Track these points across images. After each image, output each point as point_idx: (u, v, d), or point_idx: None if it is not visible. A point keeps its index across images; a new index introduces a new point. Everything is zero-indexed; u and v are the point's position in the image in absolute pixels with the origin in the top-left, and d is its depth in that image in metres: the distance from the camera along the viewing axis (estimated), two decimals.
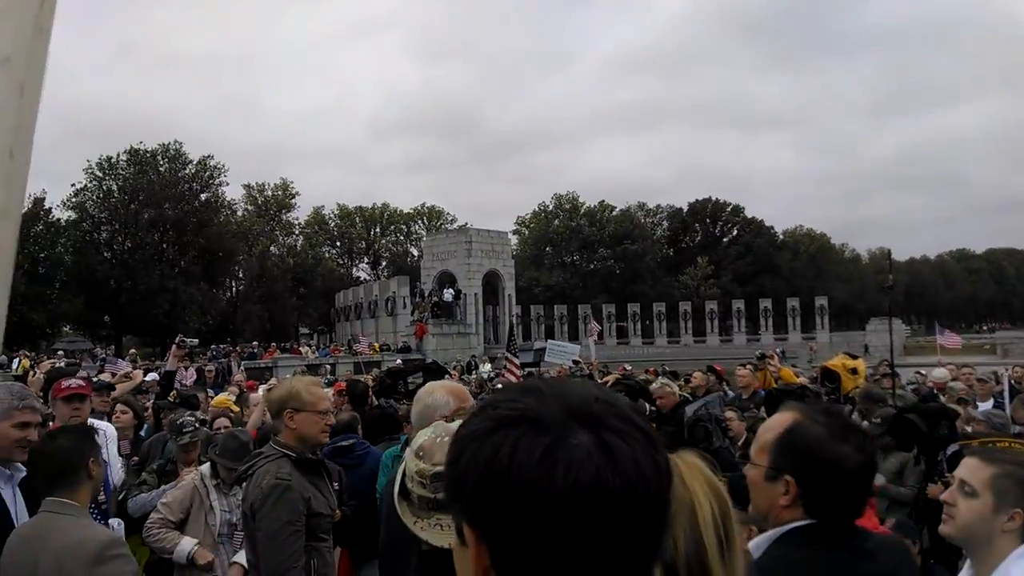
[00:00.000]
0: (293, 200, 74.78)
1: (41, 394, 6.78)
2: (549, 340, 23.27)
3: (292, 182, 75.69)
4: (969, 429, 6.29)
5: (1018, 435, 6.54)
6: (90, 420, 5.14)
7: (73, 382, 5.10)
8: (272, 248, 68.69)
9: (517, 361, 11.44)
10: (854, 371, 8.23)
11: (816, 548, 1.85)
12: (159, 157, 56.72)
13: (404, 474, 2.03)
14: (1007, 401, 6.59)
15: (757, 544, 1.98)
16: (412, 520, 1.96)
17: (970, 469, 2.36)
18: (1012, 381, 8.84)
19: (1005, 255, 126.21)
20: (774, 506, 1.94)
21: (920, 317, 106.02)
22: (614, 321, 60.09)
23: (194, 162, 58.40)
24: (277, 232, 72.88)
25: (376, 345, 38.79)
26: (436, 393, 3.21)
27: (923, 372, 12.61)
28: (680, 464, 0.86)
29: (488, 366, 28.61)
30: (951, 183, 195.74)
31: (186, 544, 4.73)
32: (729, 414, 6.86)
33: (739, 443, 6.55)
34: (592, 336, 19.34)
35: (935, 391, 10.94)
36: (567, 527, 0.76)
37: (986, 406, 8.41)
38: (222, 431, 6.01)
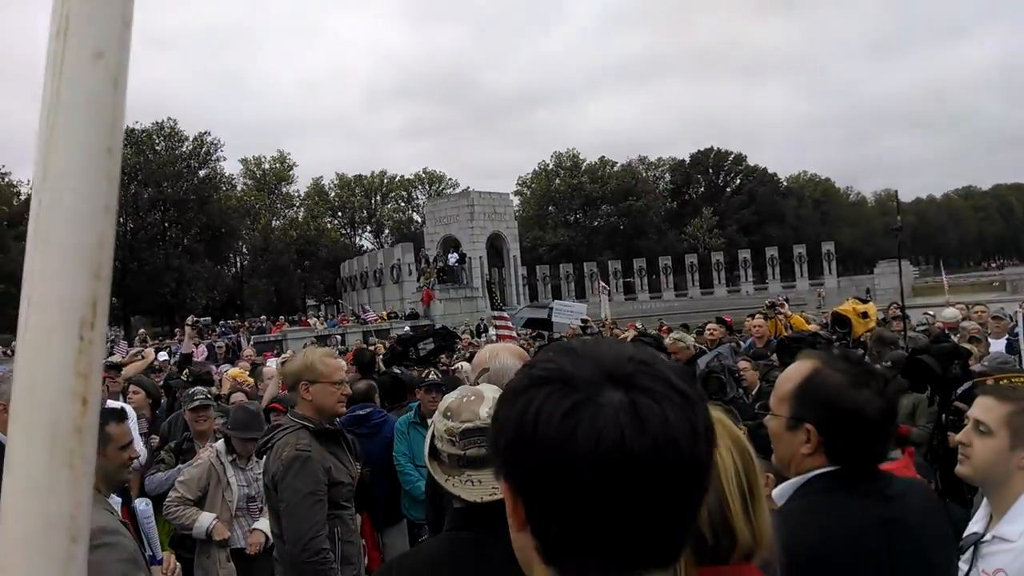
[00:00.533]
0: (291, 172, 74.67)
1: None
2: (556, 300, 23.22)
3: (289, 154, 75.48)
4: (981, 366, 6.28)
5: None
6: (108, 401, 5.20)
7: None
8: (274, 221, 68.61)
9: (506, 315, 11.26)
10: (864, 315, 8.21)
11: (840, 494, 1.84)
12: (155, 136, 56.50)
13: (433, 435, 2.06)
14: (1022, 339, 6.56)
15: (780, 492, 1.98)
16: (444, 478, 1.99)
17: (984, 408, 2.35)
18: None
19: (1012, 190, 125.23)
20: (796, 455, 1.93)
21: (928, 258, 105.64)
22: (620, 277, 60.04)
23: (190, 139, 58.29)
24: (278, 205, 72.77)
25: (384, 314, 38.83)
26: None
27: (931, 313, 12.56)
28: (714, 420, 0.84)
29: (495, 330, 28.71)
30: (955, 120, 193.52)
31: (204, 520, 4.80)
32: (743, 364, 6.85)
33: (753, 393, 6.55)
34: (603, 294, 19.15)
35: (946, 331, 10.92)
36: (591, 488, 0.76)
37: (1000, 344, 8.39)
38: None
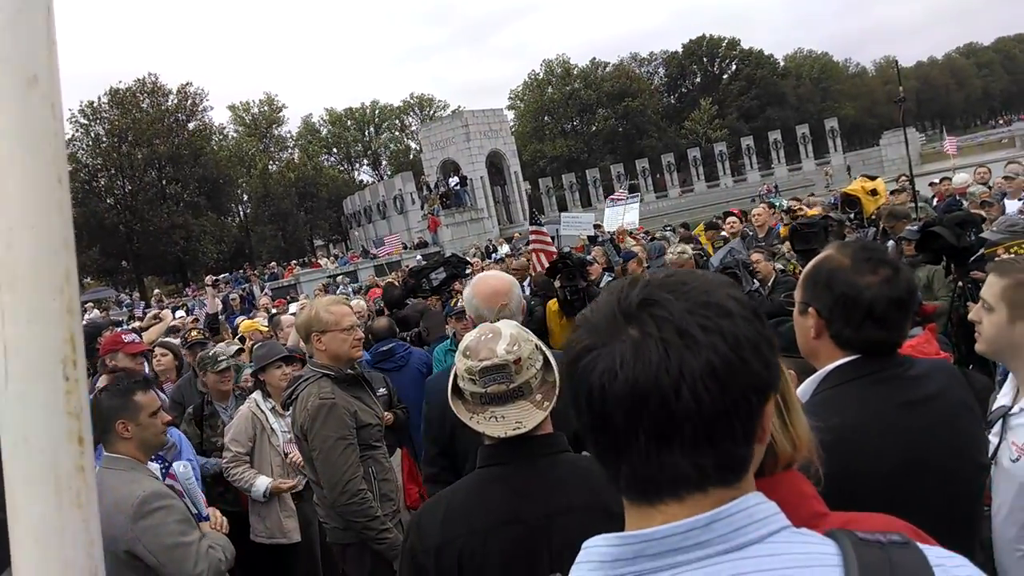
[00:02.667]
0: (281, 114, 73.59)
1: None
2: (563, 213, 23.02)
3: (276, 95, 74.23)
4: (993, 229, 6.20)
5: None
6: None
7: (134, 337, 5.70)
8: (271, 166, 68.07)
9: (545, 230, 11.09)
10: (874, 192, 8.10)
11: (859, 382, 1.86)
12: (138, 94, 55.66)
13: (455, 375, 2.08)
14: None
15: (804, 390, 1.99)
16: (468, 416, 2.02)
17: (987, 285, 2.38)
18: None
19: (1016, 42, 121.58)
20: (808, 340, 1.96)
21: (934, 122, 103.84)
22: (625, 180, 59.48)
23: (174, 92, 57.37)
24: (272, 148, 72.07)
25: (399, 248, 38.65)
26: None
27: (935, 181, 12.38)
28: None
29: (506, 247, 28.62)
30: None
31: (261, 484, 4.89)
32: (755, 256, 6.83)
33: (768, 284, 6.55)
34: (621, 202, 18.65)
35: (958, 197, 10.81)
36: (616, 423, 0.87)
37: (1015, 205, 8.29)
38: None
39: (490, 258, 23.85)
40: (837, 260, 1.92)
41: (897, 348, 1.94)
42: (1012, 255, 3.80)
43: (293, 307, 11.25)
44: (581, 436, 0.93)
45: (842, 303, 1.86)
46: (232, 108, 72.10)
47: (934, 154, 49.60)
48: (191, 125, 58.30)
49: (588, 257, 9.96)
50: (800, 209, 9.46)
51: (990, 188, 10.85)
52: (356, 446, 3.78)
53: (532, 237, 10.68)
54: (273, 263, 47.64)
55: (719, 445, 0.88)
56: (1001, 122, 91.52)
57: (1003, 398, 2.41)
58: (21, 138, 0.63)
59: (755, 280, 6.91)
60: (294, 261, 47.76)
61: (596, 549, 0.91)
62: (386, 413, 5.00)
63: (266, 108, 72.83)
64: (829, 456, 1.77)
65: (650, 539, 0.86)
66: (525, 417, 1.96)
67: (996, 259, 3.67)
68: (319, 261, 41.76)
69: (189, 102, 58.09)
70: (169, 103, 57.18)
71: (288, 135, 75.91)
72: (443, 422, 2.95)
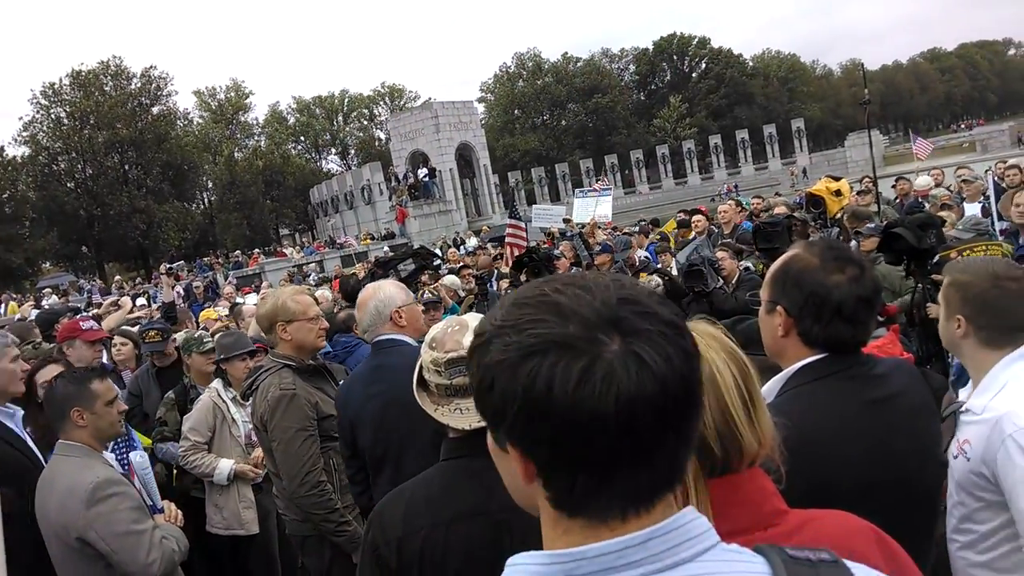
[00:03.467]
0: (248, 100, 72.64)
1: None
2: (533, 206, 23.04)
3: (244, 81, 73.23)
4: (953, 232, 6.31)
5: (1004, 232, 6.59)
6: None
7: (92, 324, 5.59)
8: (237, 153, 67.19)
9: (522, 224, 11.03)
10: (838, 193, 8.18)
11: (824, 381, 1.88)
12: (102, 76, 54.55)
13: (420, 366, 2.08)
14: (993, 201, 6.59)
15: (769, 388, 2.00)
16: (433, 408, 2.02)
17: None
18: (996, 178, 8.83)
19: (977, 48, 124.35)
20: (776, 339, 1.97)
21: (897, 124, 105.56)
22: (593, 176, 59.67)
23: (138, 75, 56.38)
24: (238, 136, 71.15)
25: (366, 239, 38.40)
26: (385, 289, 3.47)
27: (895, 186, 12.56)
28: (695, 337, 0.86)
29: (474, 240, 28.54)
30: None
31: (225, 466, 4.81)
32: (721, 254, 6.87)
33: (732, 282, 6.59)
34: (594, 194, 18.55)
35: (919, 199, 10.99)
36: (614, 435, 0.80)
37: (974, 207, 8.44)
38: None
39: (460, 249, 23.78)
40: (805, 259, 1.93)
41: (862, 346, 1.96)
42: (964, 258, 3.86)
43: (252, 297, 11.11)
44: (560, 468, 0.85)
45: (812, 302, 1.88)
46: (198, 93, 71.14)
47: (897, 156, 50.45)
48: (155, 109, 57.35)
49: (556, 252, 9.96)
50: (763, 207, 9.56)
51: (951, 191, 11.05)
52: (317, 437, 3.74)
53: (509, 230, 10.64)
54: (238, 251, 47.05)
55: (689, 450, 0.88)
56: (963, 126, 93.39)
57: (963, 394, 2.46)
58: None
59: (720, 277, 6.96)
60: (259, 250, 47.24)
61: (523, 566, 0.87)
62: None
63: (233, 94, 71.84)
64: (796, 453, 1.78)
65: (582, 558, 0.83)
66: None
67: (949, 261, 3.73)
68: (284, 250, 41.38)
69: (153, 86, 57.14)
70: (133, 86, 56.20)
71: (255, 122, 75.13)
72: (345, 425, 3.26)
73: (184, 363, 5.61)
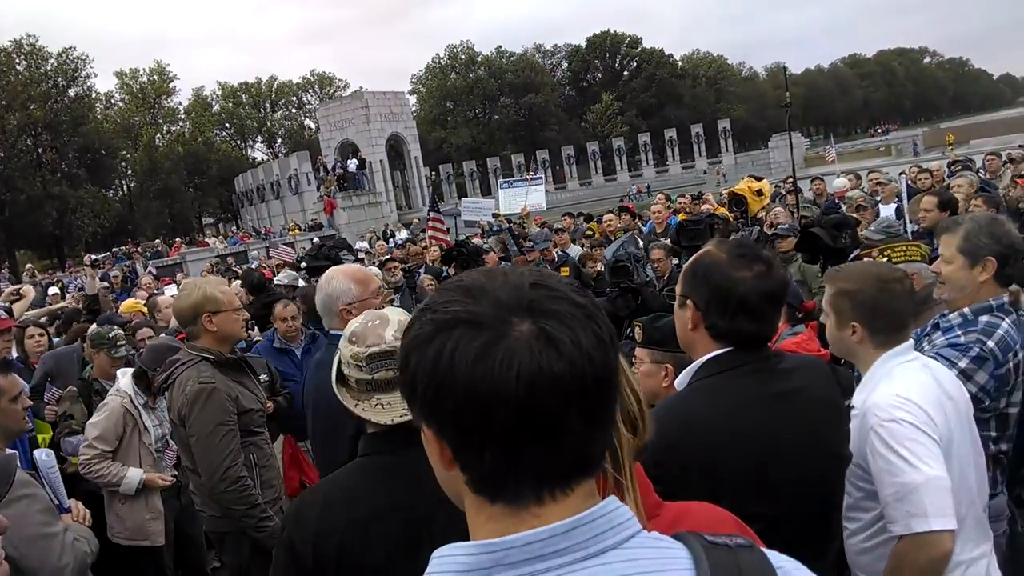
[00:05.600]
0: (172, 84, 70.29)
1: None
2: (463, 199, 22.96)
3: (168, 65, 70.88)
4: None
5: (916, 234, 6.87)
6: None
7: (0, 313, 5.41)
8: (158, 139, 65.02)
9: (442, 219, 11.09)
10: (759, 193, 8.42)
11: (732, 373, 1.93)
12: (14, 55, 52.08)
13: (340, 361, 2.03)
14: (905, 203, 6.87)
15: (680, 380, 2.08)
16: (353, 403, 1.98)
17: (825, 293, 2.57)
18: (909, 182, 9.22)
19: (895, 55, 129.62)
20: (687, 333, 2.03)
21: (819, 127, 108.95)
22: (524, 171, 59.93)
23: (54, 55, 53.98)
24: (160, 121, 68.86)
25: (293, 230, 37.59)
26: (336, 280, 3.22)
27: (811, 188, 13.00)
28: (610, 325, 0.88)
29: (404, 233, 28.33)
30: None
31: (134, 476, 4.62)
32: (657, 252, 6.98)
33: (664, 279, 6.70)
34: (528, 183, 18.51)
35: (836, 200, 11.38)
36: (518, 416, 0.80)
37: (889, 209, 8.78)
38: (146, 343, 5.79)
39: (388, 242, 23.57)
40: (715, 255, 1.99)
41: (768, 341, 2.02)
42: (886, 257, 4.00)
43: (172, 289, 10.80)
44: (471, 446, 0.84)
45: (718, 295, 1.93)
46: (119, 75, 68.41)
47: (817, 158, 52.16)
48: (72, 91, 55.06)
49: (485, 245, 9.97)
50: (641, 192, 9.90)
51: (867, 193, 11.48)
52: (237, 432, 3.66)
53: (430, 224, 10.67)
54: (158, 240, 45.60)
55: (605, 437, 0.89)
56: (880, 131, 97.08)
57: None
58: None
59: (647, 273, 7.08)
60: (180, 239, 45.90)
61: (450, 558, 0.86)
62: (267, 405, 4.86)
63: (156, 77, 69.39)
64: (694, 443, 1.84)
65: (510, 547, 0.83)
66: None
67: (867, 259, 3.86)
68: (207, 240, 40.28)
69: (71, 67, 54.79)
70: (48, 67, 53.77)
71: (179, 107, 72.74)
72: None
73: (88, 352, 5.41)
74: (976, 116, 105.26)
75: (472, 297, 0.85)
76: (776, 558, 0.95)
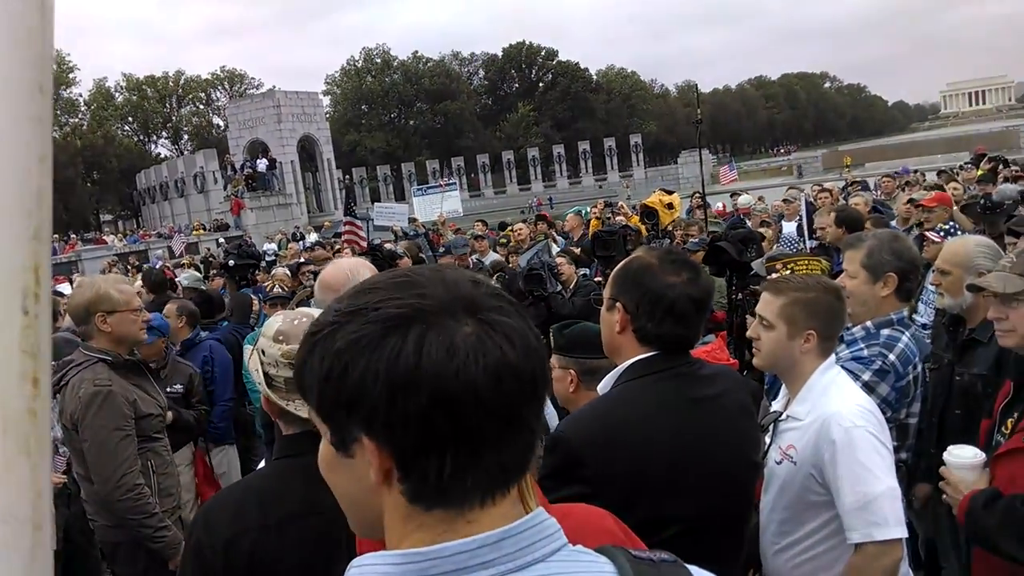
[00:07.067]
0: (72, 75, 67.02)
1: None
2: (376, 204, 22.71)
3: (68, 55, 67.58)
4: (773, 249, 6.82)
5: (812, 250, 7.17)
6: None
7: None
8: (55, 132, 61.87)
9: (359, 224, 10.96)
10: (670, 206, 8.64)
11: (656, 377, 1.97)
12: None
13: (264, 362, 1.98)
14: (805, 221, 7.16)
15: (604, 383, 2.09)
16: (284, 402, 1.93)
17: (764, 303, 2.56)
18: (809, 201, 9.61)
19: (798, 79, 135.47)
20: (614, 336, 2.04)
21: (725, 145, 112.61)
22: (439, 177, 59.81)
23: None
24: (58, 112, 65.59)
25: (198, 229, 36.42)
26: (361, 273, 2.86)
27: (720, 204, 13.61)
28: None
29: (314, 236, 27.80)
30: (742, 16, 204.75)
31: None
32: (560, 260, 7.05)
33: (571, 287, 6.77)
34: (443, 189, 18.33)
35: (741, 216, 11.79)
36: (484, 406, 0.78)
37: (791, 226, 9.13)
38: None
39: (299, 244, 23.10)
40: (646, 260, 2.03)
41: (692, 346, 2.06)
42: (789, 270, 4.15)
43: (63, 288, 10.31)
44: (428, 452, 0.80)
45: (647, 299, 1.96)
46: None
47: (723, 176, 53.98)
48: None
49: (399, 250, 9.88)
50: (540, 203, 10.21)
51: (768, 211, 11.98)
52: (134, 438, 3.51)
53: (345, 228, 10.55)
54: (54, 235, 43.42)
55: (538, 431, 0.88)
56: (783, 151, 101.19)
57: (777, 404, 2.62)
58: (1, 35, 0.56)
59: (558, 282, 7.14)
60: (75, 235, 43.82)
61: (371, 567, 0.82)
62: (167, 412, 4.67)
63: (54, 66, 65.97)
64: (617, 445, 1.86)
65: (437, 556, 0.79)
66: None
67: (772, 275, 4.00)
68: (105, 237, 38.61)
69: None
70: None
71: (79, 98, 69.43)
72: None
73: None
74: (871, 140, 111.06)
75: (417, 292, 0.82)
76: (698, 572, 0.96)
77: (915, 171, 20.39)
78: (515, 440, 0.83)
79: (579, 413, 2.07)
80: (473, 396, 0.78)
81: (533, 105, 79.83)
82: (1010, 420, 2.51)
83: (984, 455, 2.48)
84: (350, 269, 2.89)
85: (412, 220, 16.67)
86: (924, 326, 4.14)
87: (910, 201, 7.78)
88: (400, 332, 0.79)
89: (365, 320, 0.81)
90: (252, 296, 7.41)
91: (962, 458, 2.45)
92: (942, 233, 5.35)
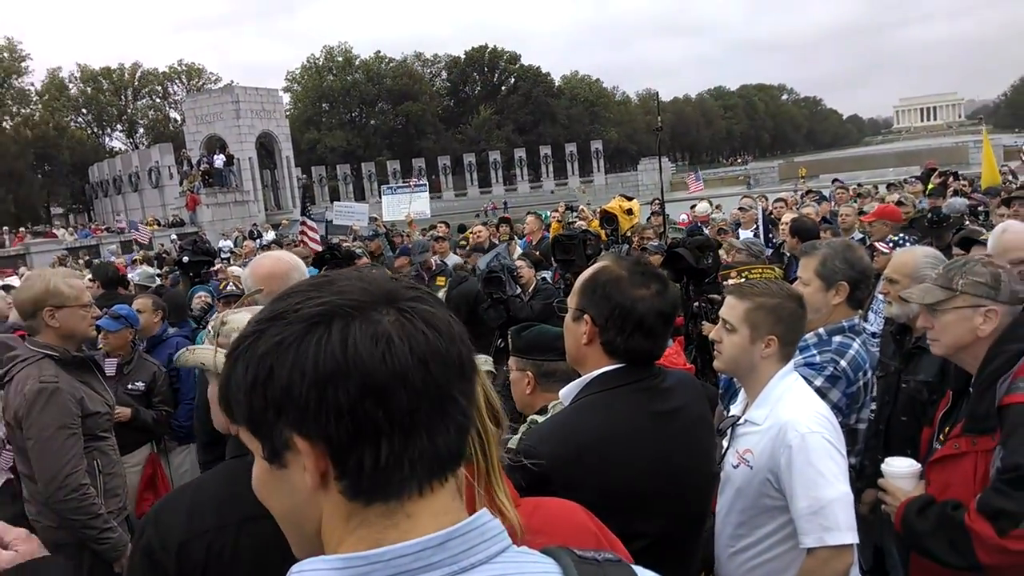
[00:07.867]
0: (24, 64, 65.17)
1: None
2: (335, 203, 22.46)
3: (20, 43, 65.73)
4: (729, 258, 6.91)
5: (773, 253, 7.31)
6: None
7: None
8: (5, 121, 60.15)
9: (314, 225, 10.94)
10: (630, 212, 8.69)
11: (622, 390, 1.96)
12: None
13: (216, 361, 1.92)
14: (762, 230, 7.31)
15: (567, 392, 2.09)
16: None
17: (728, 307, 2.59)
18: (766, 212, 9.81)
19: (756, 91, 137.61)
20: (579, 347, 2.03)
21: (684, 154, 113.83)
22: (400, 178, 59.49)
23: None
24: (9, 102, 63.74)
25: (152, 224, 35.67)
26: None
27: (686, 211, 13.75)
28: None
29: (271, 234, 27.46)
30: (702, 28, 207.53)
31: None
32: (519, 263, 7.06)
33: (530, 289, 6.79)
34: (411, 189, 18.10)
35: (700, 224, 11.95)
36: (417, 395, 0.79)
37: (748, 233, 9.30)
38: None
39: (256, 241, 22.81)
40: (615, 271, 2.01)
41: (657, 359, 2.06)
42: (744, 277, 4.21)
43: (11, 280, 10.03)
44: (362, 442, 0.79)
45: (617, 313, 1.95)
46: None
47: (682, 183, 54.55)
48: None
49: (358, 250, 9.81)
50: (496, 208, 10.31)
51: (725, 219, 12.18)
52: (80, 436, 3.43)
53: (301, 228, 10.55)
54: (3, 228, 42.21)
55: (471, 418, 0.89)
56: (739, 161, 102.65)
57: (735, 408, 2.65)
58: None
59: (517, 285, 7.15)
60: (24, 228, 42.62)
61: (312, 573, 0.81)
62: (123, 409, 4.57)
63: (6, 55, 64.13)
64: (585, 458, 1.85)
65: (378, 560, 0.79)
66: None
67: (729, 282, 4.06)
68: (55, 231, 37.62)
69: None
70: None
71: (31, 88, 67.52)
72: None
73: None
74: (826, 152, 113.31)
75: (335, 289, 0.83)
76: (644, 574, 0.97)
77: (858, 184, 21.01)
78: (448, 425, 0.82)
79: (546, 429, 2.05)
80: (402, 382, 0.78)
81: (495, 108, 79.83)
82: (948, 428, 2.57)
83: (919, 465, 2.55)
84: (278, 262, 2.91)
85: (373, 219, 16.54)
86: (874, 335, 4.23)
87: (861, 212, 7.99)
88: (323, 327, 0.79)
89: (286, 322, 0.81)
90: (206, 293, 7.28)
91: (898, 468, 2.53)
92: (891, 244, 5.49)
